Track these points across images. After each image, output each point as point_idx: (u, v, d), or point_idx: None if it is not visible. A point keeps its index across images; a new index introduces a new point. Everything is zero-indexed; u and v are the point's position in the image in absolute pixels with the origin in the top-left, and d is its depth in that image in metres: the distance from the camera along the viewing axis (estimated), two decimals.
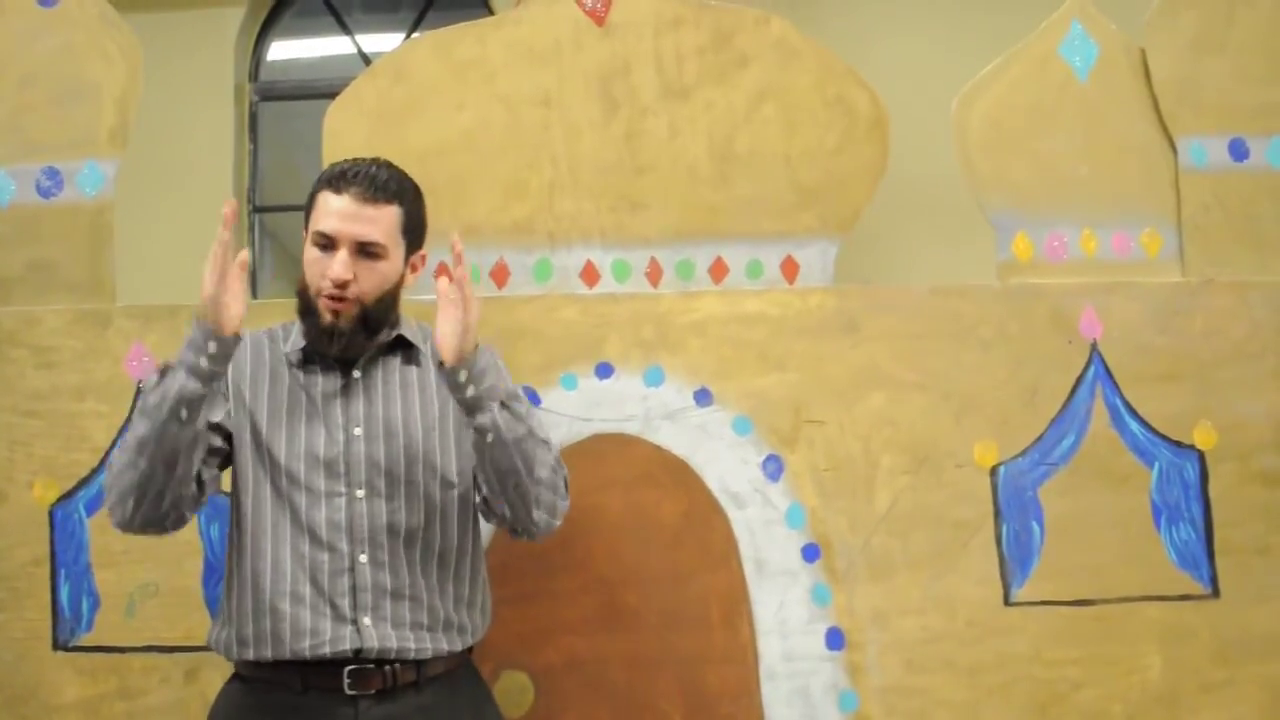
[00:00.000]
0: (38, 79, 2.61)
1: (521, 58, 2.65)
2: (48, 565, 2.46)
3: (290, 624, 2.01)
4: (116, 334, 2.51)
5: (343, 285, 2.06)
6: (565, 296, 2.59)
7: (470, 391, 1.99)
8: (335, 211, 2.08)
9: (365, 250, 2.08)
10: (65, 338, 2.51)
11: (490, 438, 2.00)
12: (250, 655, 2.03)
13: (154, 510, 1.98)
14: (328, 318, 2.08)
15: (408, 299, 2.45)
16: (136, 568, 2.44)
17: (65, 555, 2.46)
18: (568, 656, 2.48)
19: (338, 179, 2.10)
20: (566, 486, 2.14)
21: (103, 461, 2.46)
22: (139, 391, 2.01)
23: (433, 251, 2.53)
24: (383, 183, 2.11)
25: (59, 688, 2.44)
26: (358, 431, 2.10)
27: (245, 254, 1.93)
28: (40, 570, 2.46)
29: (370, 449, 2.09)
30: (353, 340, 2.10)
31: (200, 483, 2.03)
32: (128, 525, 2.00)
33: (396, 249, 2.13)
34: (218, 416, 2.06)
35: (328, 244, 2.08)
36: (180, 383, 1.91)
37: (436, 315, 2.00)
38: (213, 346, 1.91)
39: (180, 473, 1.96)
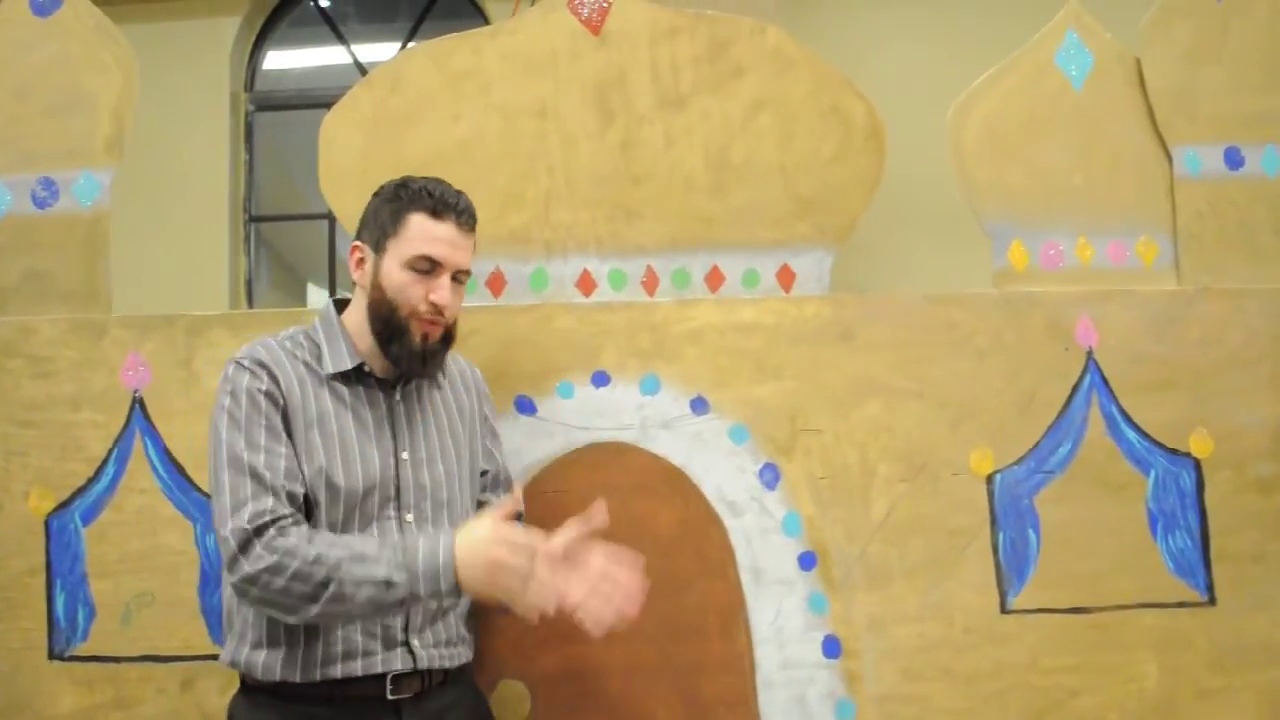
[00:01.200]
0: (33, 89, 2.61)
1: (517, 67, 2.65)
2: (43, 575, 2.46)
3: (342, 647, 2.01)
4: (112, 344, 2.51)
5: (442, 310, 2.10)
6: (562, 306, 2.59)
7: None
8: (443, 239, 2.11)
9: (457, 276, 2.14)
10: (61, 347, 2.51)
11: None
12: (296, 676, 2.00)
13: None
14: (418, 340, 2.10)
15: None
16: (132, 577, 2.44)
17: (61, 565, 2.46)
18: (565, 665, 2.48)
19: (439, 205, 2.11)
20: None
21: (98, 471, 2.46)
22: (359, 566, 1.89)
23: None
24: (472, 212, 2.17)
25: (55, 698, 2.43)
26: (405, 456, 2.12)
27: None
28: (36, 580, 2.46)
29: (416, 473, 2.11)
30: (441, 359, 2.16)
31: None
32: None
33: None
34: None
35: (430, 269, 2.10)
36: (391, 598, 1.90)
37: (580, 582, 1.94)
38: (448, 579, 1.89)
39: None
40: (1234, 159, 2.75)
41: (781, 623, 2.51)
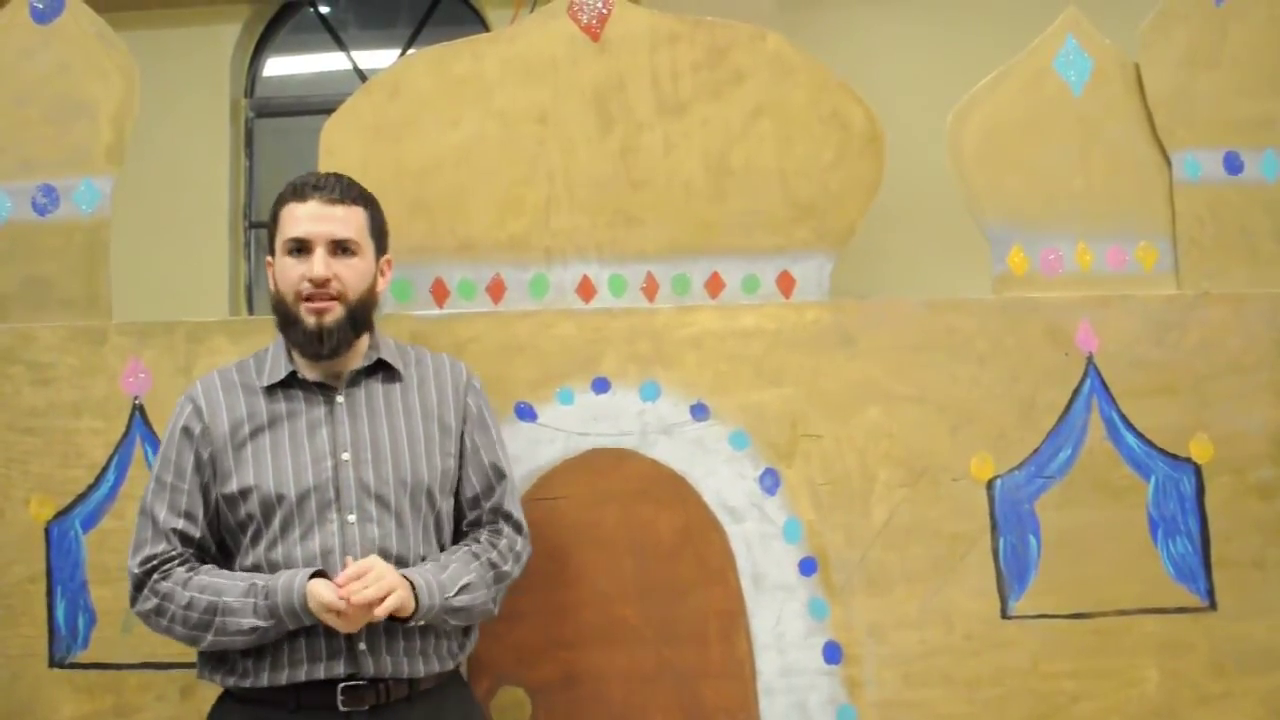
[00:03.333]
0: (34, 96, 2.60)
1: (517, 74, 2.65)
2: (44, 582, 2.45)
3: (287, 653, 2.01)
4: (113, 350, 2.51)
5: (324, 284, 2.10)
6: (561, 312, 2.59)
7: (423, 623, 2.06)
8: (305, 217, 2.13)
9: (340, 248, 2.13)
10: (61, 354, 2.50)
11: (448, 626, 2.11)
12: (247, 684, 2.03)
13: None
14: (312, 320, 2.10)
15: (408, 314, 2.45)
16: None
17: (61, 572, 2.46)
18: (565, 671, 2.48)
19: (300, 188, 2.16)
20: (523, 560, 2.24)
21: (99, 478, 2.46)
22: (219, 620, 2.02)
23: (431, 268, 2.55)
24: (346, 186, 2.18)
25: (55, 705, 2.43)
26: (346, 456, 2.10)
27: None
28: (36, 587, 2.45)
29: (360, 473, 2.10)
30: (342, 339, 2.12)
31: None
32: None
33: (368, 248, 2.19)
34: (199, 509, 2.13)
35: (301, 248, 2.12)
36: (263, 637, 2.00)
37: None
38: (309, 620, 1.97)
39: None
40: (1233, 164, 2.75)
41: (782, 629, 2.51)
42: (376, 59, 4.76)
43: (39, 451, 2.48)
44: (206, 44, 4.51)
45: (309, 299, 2.10)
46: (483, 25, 4.50)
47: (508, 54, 2.66)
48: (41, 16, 2.61)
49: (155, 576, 2.05)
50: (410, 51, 4.63)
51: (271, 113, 4.68)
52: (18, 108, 2.60)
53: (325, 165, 2.55)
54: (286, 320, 2.13)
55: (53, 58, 2.61)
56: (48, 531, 2.46)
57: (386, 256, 2.26)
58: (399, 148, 2.60)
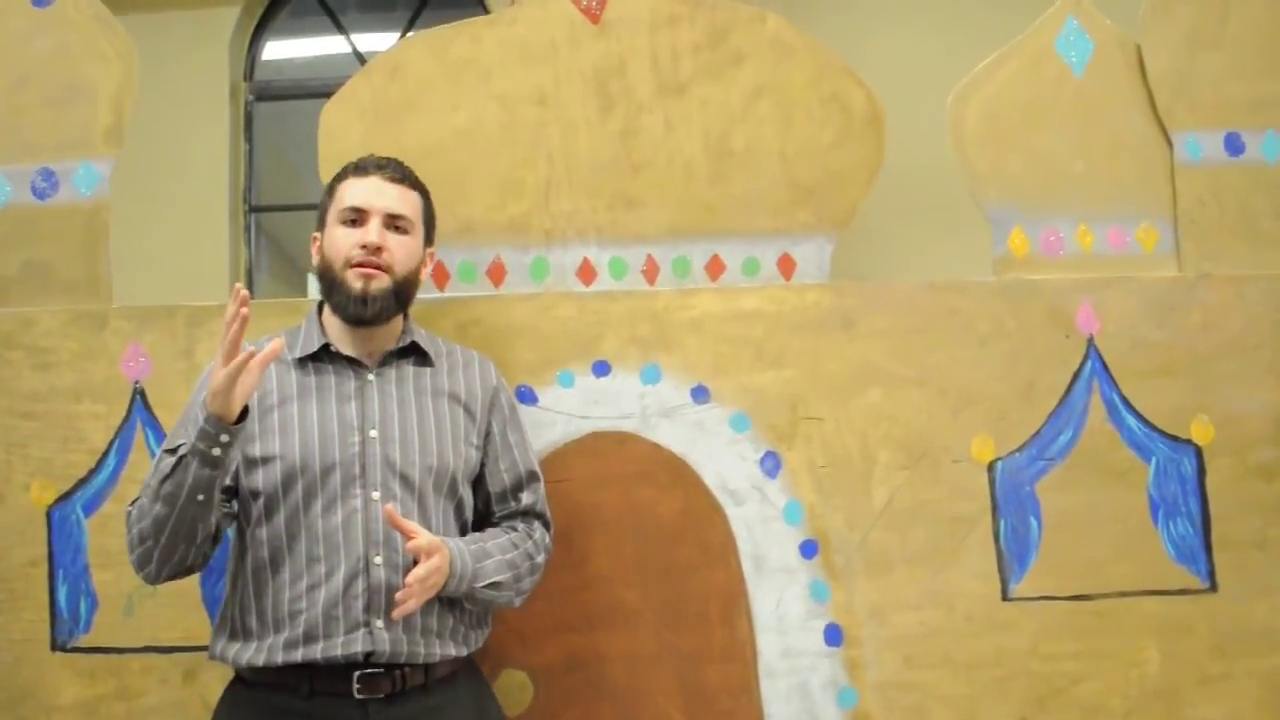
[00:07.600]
0: (33, 80, 2.60)
1: (517, 56, 2.64)
2: (45, 566, 2.46)
3: (304, 628, 2.01)
4: (113, 334, 2.51)
5: (376, 251, 2.13)
6: (562, 294, 2.58)
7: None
8: (365, 189, 2.18)
9: (394, 224, 2.18)
10: (61, 338, 2.51)
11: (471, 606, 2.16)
12: (260, 661, 2.02)
13: (179, 569, 2.05)
14: (358, 285, 2.12)
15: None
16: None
17: (63, 556, 2.46)
18: (567, 654, 2.48)
19: (363, 165, 2.22)
20: (549, 553, 2.28)
21: (100, 462, 2.46)
22: (155, 462, 2.01)
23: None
24: (407, 171, 2.24)
25: (57, 689, 2.43)
26: (373, 434, 2.11)
27: (279, 343, 1.95)
28: (38, 571, 2.46)
29: (386, 451, 2.10)
30: (385, 306, 2.14)
31: (217, 528, 2.06)
32: (154, 582, 2.07)
33: (419, 231, 2.24)
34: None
35: (357, 219, 2.16)
36: (195, 472, 1.91)
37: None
38: (225, 437, 1.91)
39: (200, 538, 2.01)
40: (1234, 145, 2.74)
41: (783, 611, 2.51)
42: (376, 42, 4.76)
43: (40, 436, 2.48)
44: (205, 27, 4.51)
45: (358, 265, 2.13)
46: (482, 7, 4.49)
47: (507, 36, 2.65)
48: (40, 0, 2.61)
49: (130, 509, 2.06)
50: (410, 34, 4.62)
51: (271, 96, 4.68)
52: (16, 91, 2.60)
53: (325, 148, 2.55)
54: (331, 284, 2.16)
55: (51, 41, 2.61)
56: (49, 516, 2.47)
57: (431, 249, 2.29)
58: (398, 130, 2.60)
